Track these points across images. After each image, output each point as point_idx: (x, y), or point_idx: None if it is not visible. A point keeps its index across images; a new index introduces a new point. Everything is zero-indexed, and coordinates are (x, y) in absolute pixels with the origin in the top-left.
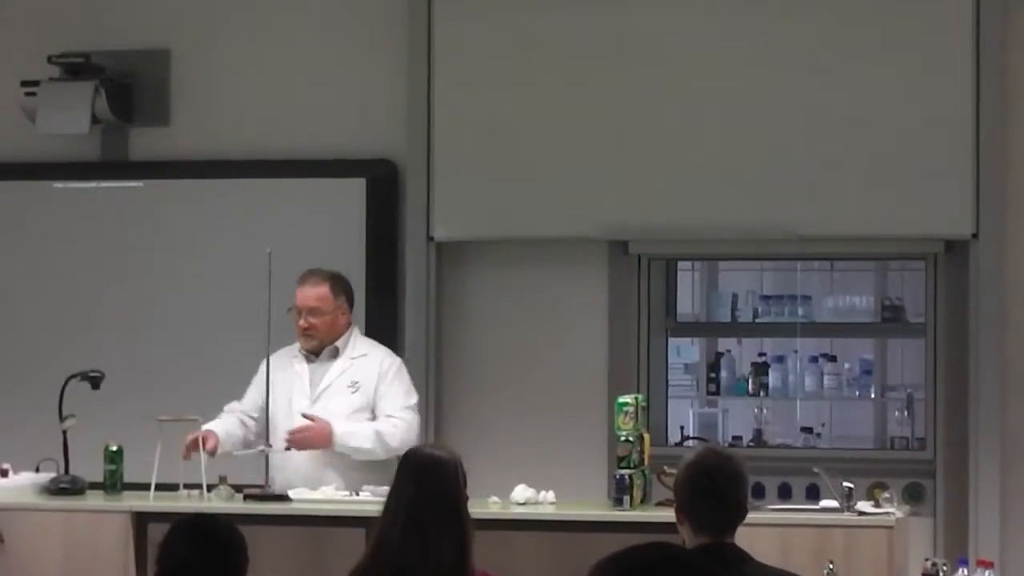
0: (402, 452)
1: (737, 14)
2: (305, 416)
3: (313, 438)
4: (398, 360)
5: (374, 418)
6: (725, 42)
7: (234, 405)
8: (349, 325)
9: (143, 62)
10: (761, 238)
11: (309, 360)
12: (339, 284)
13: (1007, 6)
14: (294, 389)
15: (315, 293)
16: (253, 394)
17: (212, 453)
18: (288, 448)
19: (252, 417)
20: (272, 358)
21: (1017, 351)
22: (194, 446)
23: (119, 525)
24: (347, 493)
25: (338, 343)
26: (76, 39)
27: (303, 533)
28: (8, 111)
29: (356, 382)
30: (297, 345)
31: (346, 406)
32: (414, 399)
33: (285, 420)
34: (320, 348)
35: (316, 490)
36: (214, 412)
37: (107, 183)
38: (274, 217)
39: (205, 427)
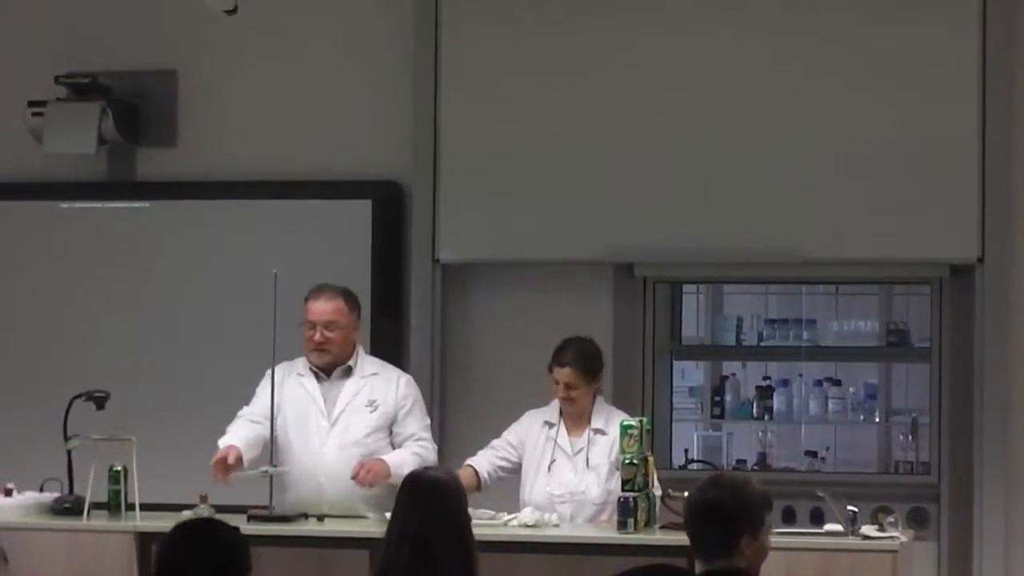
0: None
1: (743, 38)
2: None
3: (376, 475)
4: (407, 376)
5: (391, 436)
6: (731, 66)
7: (246, 410)
8: (356, 344)
9: (150, 83)
10: (766, 262)
11: (319, 378)
12: (352, 299)
13: (1013, 31)
14: (308, 409)
15: (331, 307)
16: (262, 403)
17: (239, 460)
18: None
19: (266, 419)
20: (274, 369)
21: (1022, 376)
22: (221, 467)
23: (122, 545)
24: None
25: (350, 362)
26: (83, 59)
27: (307, 555)
28: (15, 131)
29: (374, 401)
30: (302, 361)
31: (365, 425)
32: (428, 419)
33: (299, 440)
34: (333, 365)
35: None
36: (218, 432)
37: (113, 203)
38: (280, 238)
39: (223, 442)
